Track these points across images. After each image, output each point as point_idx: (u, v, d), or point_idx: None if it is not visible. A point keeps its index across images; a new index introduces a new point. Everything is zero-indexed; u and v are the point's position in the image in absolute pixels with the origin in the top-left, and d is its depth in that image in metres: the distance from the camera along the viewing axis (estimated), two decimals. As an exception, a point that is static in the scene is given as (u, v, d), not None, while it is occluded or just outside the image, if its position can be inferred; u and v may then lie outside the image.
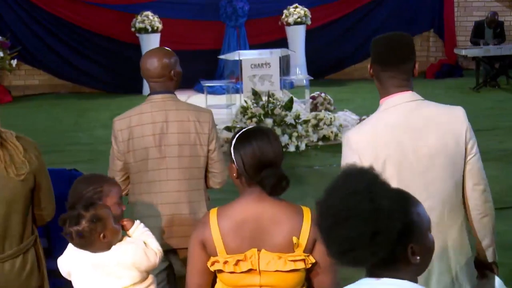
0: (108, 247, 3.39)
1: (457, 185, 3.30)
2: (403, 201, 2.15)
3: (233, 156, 3.01)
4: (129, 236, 3.52)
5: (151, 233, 3.57)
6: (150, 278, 3.52)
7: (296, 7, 16.08)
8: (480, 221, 3.32)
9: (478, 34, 15.59)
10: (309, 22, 16.13)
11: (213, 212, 3.06)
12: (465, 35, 17.10)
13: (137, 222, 3.57)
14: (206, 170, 4.29)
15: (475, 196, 3.30)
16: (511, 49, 15.28)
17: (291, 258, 2.95)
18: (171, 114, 4.19)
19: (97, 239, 3.34)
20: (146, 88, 15.41)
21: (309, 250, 3.00)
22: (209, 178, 4.30)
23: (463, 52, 15.57)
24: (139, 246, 3.45)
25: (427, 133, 3.26)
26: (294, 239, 2.96)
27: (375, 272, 2.15)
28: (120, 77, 15.86)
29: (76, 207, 3.36)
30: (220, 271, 3.03)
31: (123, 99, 14.63)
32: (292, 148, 10.29)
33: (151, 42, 15.28)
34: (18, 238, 3.58)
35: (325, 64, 16.70)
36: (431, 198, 3.25)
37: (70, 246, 3.47)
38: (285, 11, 16.09)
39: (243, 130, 3.10)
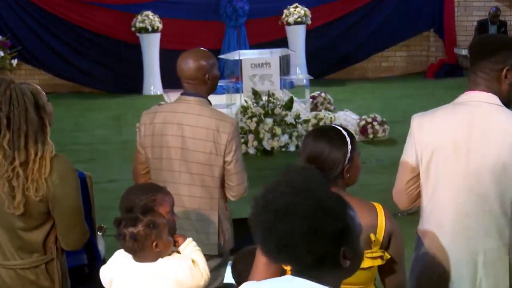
0: (156, 258, 3.30)
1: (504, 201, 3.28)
2: (342, 203, 2.15)
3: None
4: (179, 252, 3.42)
5: (201, 253, 3.47)
6: None
7: (296, 6, 16.06)
8: None
9: (481, 33, 15.59)
10: (309, 22, 16.11)
11: None
12: (466, 34, 17.09)
13: (189, 239, 3.49)
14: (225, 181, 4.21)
15: None
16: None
17: (369, 255, 2.95)
18: (192, 118, 4.14)
19: (149, 246, 3.26)
20: (146, 88, 15.43)
21: (385, 246, 3.01)
22: (226, 189, 4.23)
23: (464, 52, 15.56)
24: (186, 264, 3.35)
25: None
26: (372, 236, 2.96)
27: (300, 270, 2.13)
28: (120, 77, 15.84)
29: (133, 211, 3.30)
30: None
31: (123, 99, 14.63)
32: (292, 148, 10.29)
33: (151, 41, 15.29)
34: (31, 251, 3.49)
35: (325, 64, 16.67)
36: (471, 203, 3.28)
37: (116, 254, 3.43)
38: (285, 10, 16.07)
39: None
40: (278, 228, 2.07)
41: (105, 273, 3.44)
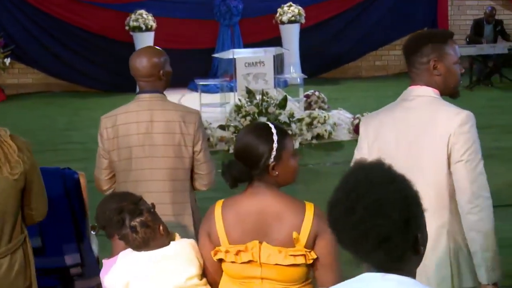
0: (167, 242, 3.39)
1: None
2: (415, 190, 2.15)
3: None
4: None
5: None
6: (206, 282, 3.40)
7: (290, 5, 16.07)
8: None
9: (477, 32, 15.64)
10: (303, 21, 16.12)
11: (219, 203, 3.15)
12: (459, 33, 17.09)
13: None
14: (193, 172, 4.26)
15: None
16: (505, 48, 15.32)
17: (291, 252, 2.98)
18: (156, 114, 4.17)
19: (158, 231, 3.36)
20: (140, 87, 15.40)
21: (310, 246, 3.02)
22: (195, 179, 4.27)
23: (457, 51, 15.57)
24: (194, 245, 3.42)
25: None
26: (294, 234, 2.99)
27: (382, 265, 2.10)
28: (114, 75, 15.80)
29: (124, 205, 3.36)
30: (222, 260, 3.11)
31: (118, 98, 14.55)
32: (286, 147, 10.27)
33: (145, 40, 15.25)
34: (7, 238, 3.56)
35: (319, 63, 16.67)
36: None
37: (119, 258, 3.41)
38: (279, 9, 16.07)
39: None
40: (375, 225, 2.03)
41: (118, 279, 3.37)
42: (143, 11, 15.40)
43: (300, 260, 2.99)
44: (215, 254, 3.13)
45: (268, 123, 3.17)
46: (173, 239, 3.48)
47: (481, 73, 15.30)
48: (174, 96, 4.12)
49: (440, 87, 3.42)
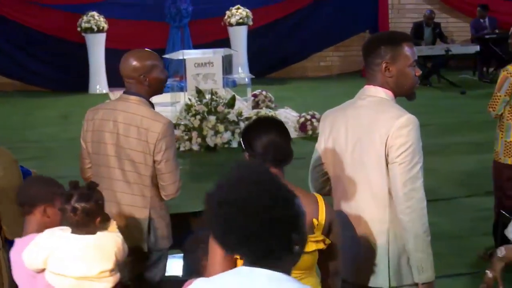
0: (94, 231, 3.49)
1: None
2: (291, 192, 2.17)
3: (243, 145, 3.14)
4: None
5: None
6: (117, 271, 3.58)
7: (238, 8, 16.08)
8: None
9: (417, 35, 15.82)
10: (250, 23, 16.14)
11: None
12: (399, 36, 17.29)
13: (112, 219, 3.70)
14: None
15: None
16: (442, 49, 15.54)
17: (313, 239, 2.99)
18: (128, 117, 4.10)
19: (94, 221, 3.45)
20: (92, 87, 15.29)
21: (326, 233, 3.06)
22: (159, 188, 4.17)
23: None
24: (120, 239, 3.56)
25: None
26: (315, 220, 3.02)
27: (254, 260, 2.13)
28: (67, 75, 15.65)
29: (79, 187, 3.45)
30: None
31: (70, 97, 14.45)
32: (235, 144, 10.29)
33: (96, 41, 15.16)
34: None
35: (267, 63, 16.72)
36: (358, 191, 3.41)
37: (45, 234, 3.48)
38: (227, 12, 16.07)
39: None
40: (239, 221, 2.07)
41: (38, 252, 3.45)
42: (95, 13, 15.25)
43: (320, 246, 3.02)
44: None
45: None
46: (106, 229, 3.58)
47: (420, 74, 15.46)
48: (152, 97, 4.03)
49: (392, 88, 3.41)
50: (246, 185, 2.10)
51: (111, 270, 3.50)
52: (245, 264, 2.16)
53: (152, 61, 4.16)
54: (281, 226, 2.08)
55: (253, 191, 2.08)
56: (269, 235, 2.07)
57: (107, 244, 3.50)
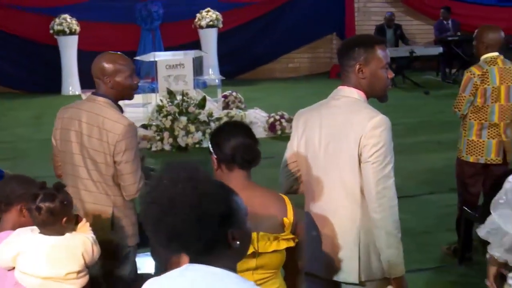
0: (63, 232, 3.46)
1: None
2: (222, 188, 2.17)
3: (210, 149, 3.13)
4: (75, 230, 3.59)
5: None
6: (86, 273, 3.57)
7: (209, 11, 16.07)
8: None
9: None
10: (220, 25, 16.14)
11: None
12: (365, 38, 17.39)
13: (84, 220, 3.67)
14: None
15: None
16: (406, 51, 15.66)
17: (284, 237, 3.00)
18: (91, 117, 4.09)
19: (60, 221, 3.41)
20: (65, 88, 15.18)
21: (294, 231, 3.07)
22: (121, 189, 4.15)
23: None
24: (90, 240, 3.53)
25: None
26: (285, 219, 3.03)
27: (197, 258, 2.14)
28: (40, 77, 15.54)
29: (46, 188, 3.43)
30: None
31: (43, 99, 14.34)
32: (206, 144, 10.27)
33: (68, 44, 15.07)
34: None
35: (236, 65, 16.72)
36: (333, 189, 3.41)
37: (16, 234, 3.48)
38: (198, 15, 16.05)
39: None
40: (167, 220, 2.07)
41: (7, 251, 3.45)
42: (67, 16, 15.15)
43: (291, 243, 3.02)
44: None
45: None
46: (75, 230, 3.56)
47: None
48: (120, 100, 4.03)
49: (365, 90, 3.43)
50: (175, 184, 2.09)
51: (79, 272, 3.48)
52: (190, 260, 2.17)
53: (119, 65, 4.15)
54: (211, 224, 2.07)
55: (181, 190, 2.07)
56: (197, 233, 2.07)
57: (75, 246, 3.47)
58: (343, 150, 3.33)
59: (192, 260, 2.15)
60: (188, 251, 2.14)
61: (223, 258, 2.13)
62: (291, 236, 3.04)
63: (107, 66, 4.11)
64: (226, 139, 3.07)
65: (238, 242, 2.13)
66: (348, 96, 3.42)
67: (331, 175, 3.39)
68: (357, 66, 3.40)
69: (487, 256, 3.52)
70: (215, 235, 2.09)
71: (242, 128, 3.17)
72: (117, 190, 4.14)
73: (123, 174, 4.08)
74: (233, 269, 2.16)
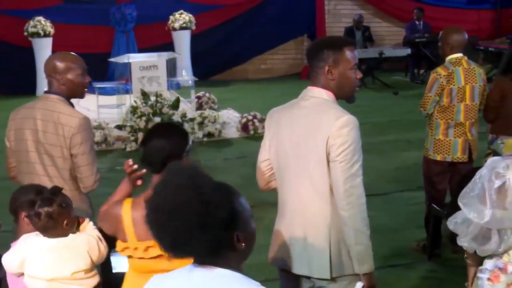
0: (66, 234, 3.42)
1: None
2: (226, 191, 2.17)
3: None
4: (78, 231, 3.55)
5: (98, 232, 3.58)
6: (96, 273, 3.53)
7: (182, 13, 16.03)
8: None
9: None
10: (193, 27, 16.11)
11: (128, 201, 3.17)
12: (335, 39, 17.44)
13: (87, 219, 3.63)
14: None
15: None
16: (376, 52, 15.75)
17: None
18: (46, 113, 4.14)
19: (61, 224, 3.37)
20: (39, 89, 15.03)
21: None
22: (78, 181, 4.19)
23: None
24: (94, 238, 3.49)
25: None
26: None
27: (203, 260, 2.15)
28: (14, 79, 15.40)
29: (43, 192, 3.39)
30: (130, 256, 3.14)
31: (17, 100, 14.06)
32: (179, 144, 10.24)
33: (43, 46, 14.94)
34: None
35: (210, 66, 16.71)
36: (302, 186, 3.42)
37: (21, 240, 3.48)
38: (171, 17, 16.01)
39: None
40: (170, 227, 2.07)
41: (14, 257, 3.45)
42: (41, 18, 15.04)
43: None
44: (122, 251, 3.15)
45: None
46: (78, 231, 3.51)
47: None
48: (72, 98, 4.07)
49: (334, 90, 3.43)
50: (180, 191, 2.08)
51: (86, 271, 3.44)
52: (195, 261, 2.17)
53: (71, 64, 4.21)
54: (217, 229, 2.07)
55: (186, 197, 2.07)
56: (203, 239, 2.07)
57: (79, 244, 3.43)
58: (312, 149, 3.34)
59: (197, 262, 2.15)
60: (194, 255, 2.14)
61: (228, 260, 2.14)
62: None
63: (59, 64, 4.17)
64: (143, 144, 3.23)
65: (243, 244, 2.14)
66: (317, 97, 3.43)
67: (301, 174, 3.40)
68: (326, 68, 3.41)
69: (466, 259, 3.56)
70: (220, 239, 2.09)
71: (157, 130, 3.29)
72: (73, 185, 4.17)
73: (80, 166, 4.13)
74: (238, 269, 2.16)
